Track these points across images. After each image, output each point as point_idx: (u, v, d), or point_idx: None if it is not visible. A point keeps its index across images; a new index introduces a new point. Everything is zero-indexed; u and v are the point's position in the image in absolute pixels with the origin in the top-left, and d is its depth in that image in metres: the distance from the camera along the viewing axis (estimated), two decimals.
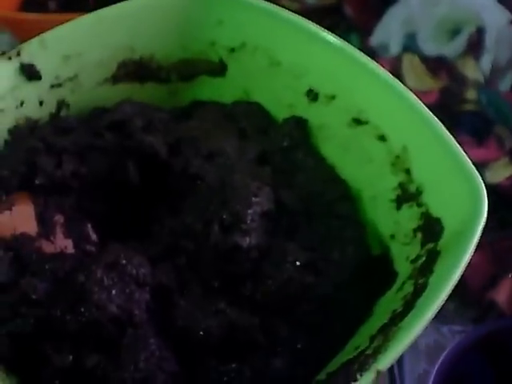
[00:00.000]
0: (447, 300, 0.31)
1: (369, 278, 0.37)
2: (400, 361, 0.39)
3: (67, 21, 0.42)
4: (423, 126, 0.37)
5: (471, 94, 0.53)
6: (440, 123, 0.37)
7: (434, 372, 0.41)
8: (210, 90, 0.46)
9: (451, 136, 0.36)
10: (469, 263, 0.32)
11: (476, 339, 0.43)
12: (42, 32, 0.42)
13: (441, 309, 0.31)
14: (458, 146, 0.36)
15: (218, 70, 0.45)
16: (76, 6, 0.63)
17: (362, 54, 0.41)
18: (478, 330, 0.44)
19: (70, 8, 0.64)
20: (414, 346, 0.41)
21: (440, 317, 0.43)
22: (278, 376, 0.33)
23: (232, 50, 0.44)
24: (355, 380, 0.29)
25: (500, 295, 0.45)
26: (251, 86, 0.44)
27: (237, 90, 0.45)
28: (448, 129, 0.37)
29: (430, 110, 0.37)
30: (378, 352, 0.30)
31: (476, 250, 0.33)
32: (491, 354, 0.43)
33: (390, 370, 0.39)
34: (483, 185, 0.34)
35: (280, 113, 0.44)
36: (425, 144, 0.37)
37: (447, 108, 0.52)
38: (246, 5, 0.44)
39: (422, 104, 0.37)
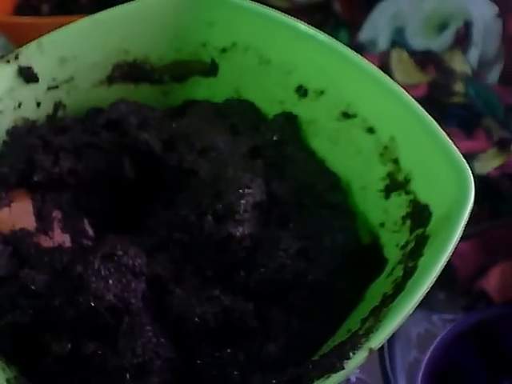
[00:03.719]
0: (438, 289, 0.32)
1: (359, 266, 0.37)
2: (391, 350, 0.39)
3: (61, 24, 0.43)
4: (409, 115, 0.38)
5: (459, 87, 0.54)
6: (425, 111, 0.37)
7: (425, 360, 0.41)
8: (202, 89, 0.46)
9: (435, 122, 0.37)
10: (459, 253, 0.33)
11: (466, 327, 0.43)
12: (37, 35, 0.42)
13: (431, 298, 0.31)
14: (442, 132, 0.36)
15: (210, 70, 0.46)
16: (68, 7, 0.64)
17: (349, 49, 0.41)
18: (469, 318, 0.44)
19: (63, 10, 0.65)
20: (404, 335, 0.41)
21: (431, 306, 0.43)
22: (272, 360, 0.34)
23: (223, 50, 0.45)
24: (348, 358, 0.30)
25: (489, 284, 0.46)
26: (242, 85, 0.45)
27: (228, 89, 0.46)
28: (437, 121, 0.37)
29: (419, 103, 0.38)
30: (369, 332, 0.31)
31: (466, 239, 0.33)
32: (481, 342, 0.44)
33: (381, 358, 0.39)
34: (469, 169, 0.35)
35: (271, 109, 0.44)
36: (411, 133, 0.38)
37: (436, 101, 0.52)
38: (235, 6, 0.44)
39: (406, 93, 0.38)
